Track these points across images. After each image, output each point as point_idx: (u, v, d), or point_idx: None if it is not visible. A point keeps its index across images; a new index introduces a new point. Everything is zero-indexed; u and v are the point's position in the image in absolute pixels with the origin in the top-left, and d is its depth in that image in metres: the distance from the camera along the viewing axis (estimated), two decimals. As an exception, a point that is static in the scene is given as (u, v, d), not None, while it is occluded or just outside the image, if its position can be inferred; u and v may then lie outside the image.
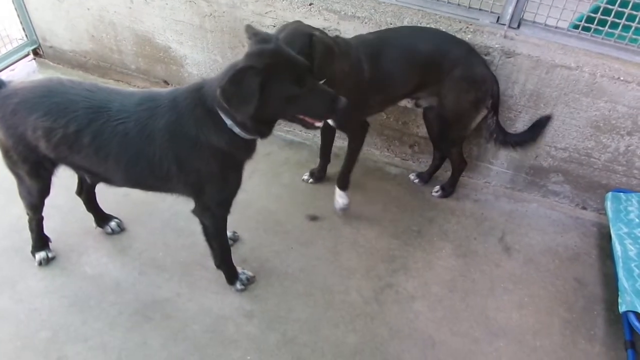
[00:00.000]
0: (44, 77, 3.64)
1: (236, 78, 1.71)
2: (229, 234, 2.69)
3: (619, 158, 2.75)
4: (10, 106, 2.06)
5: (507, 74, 2.68)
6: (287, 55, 1.82)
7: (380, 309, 2.48)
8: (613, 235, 2.49)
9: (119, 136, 1.98)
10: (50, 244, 2.62)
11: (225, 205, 2.23)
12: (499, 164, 3.05)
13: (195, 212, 2.22)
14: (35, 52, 3.95)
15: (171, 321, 2.39)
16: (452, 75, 2.51)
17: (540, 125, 2.74)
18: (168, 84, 3.61)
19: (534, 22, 2.60)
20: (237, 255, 2.65)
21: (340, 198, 2.86)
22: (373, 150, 3.33)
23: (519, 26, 2.63)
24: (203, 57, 3.33)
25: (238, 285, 2.50)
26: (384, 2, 2.81)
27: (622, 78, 2.49)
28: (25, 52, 3.89)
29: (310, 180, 3.06)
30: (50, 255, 2.59)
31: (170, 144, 1.98)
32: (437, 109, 2.67)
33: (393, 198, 3.04)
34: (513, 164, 3.01)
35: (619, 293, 2.26)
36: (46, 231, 2.61)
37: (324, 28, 2.86)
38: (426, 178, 3.10)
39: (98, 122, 1.99)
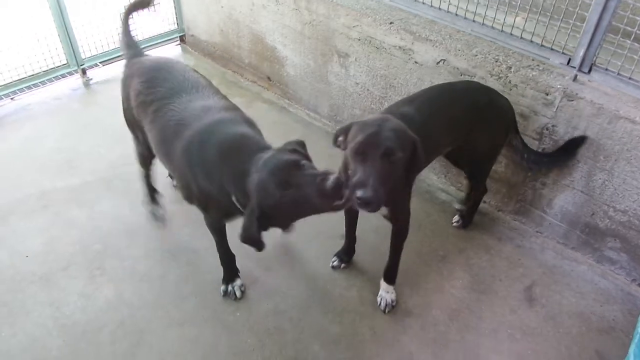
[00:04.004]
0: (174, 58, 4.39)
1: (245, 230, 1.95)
2: None
3: (689, 236, 2.43)
4: (132, 70, 2.54)
5: (568, 118, 2.56)
6: (275, 174, 1.87)
7: (373, 312, 2.53)
8: (644, 311, 2.21)
9: (166, 117, 2.24)
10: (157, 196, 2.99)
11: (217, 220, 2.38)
12: (553, 214, 2.87)
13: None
14: (182, 39, 4.74)
15: (190, 266, 2.73)
16: (481, 119, 2.49)
17: (573, 145, 2.57)
18: (270, 80, 4.07)
19: (607, 69, 2.46)
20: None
21: (386, 293, 2.55)
22: (431, 175, 3.35)
23: (589, 71, 2.50)
24: (299, 60, 3.71)
25: (222, 288, 2.57)
26: (461, 31, 2.89)
27: (696, 144, 2.24)
28: (174, 37, 4.69)
29: (342, 265, 2.75)
30: (161, 212, 2.97)
31: (189, 151, 2.12)
32: (467, 151, 2.61)
33: (432, 221, 3.04)
34: (567, 217, 2.81)
35: (622, 368, 2.02)
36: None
37: (399, 47, 3.04)
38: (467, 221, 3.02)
39: (165, 100, 2.29)
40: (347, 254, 2.76)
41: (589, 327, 2.51)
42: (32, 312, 2.49)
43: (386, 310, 2.54)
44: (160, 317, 2.49)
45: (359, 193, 1.79)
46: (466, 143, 2.55)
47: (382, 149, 1.85)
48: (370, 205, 1.81)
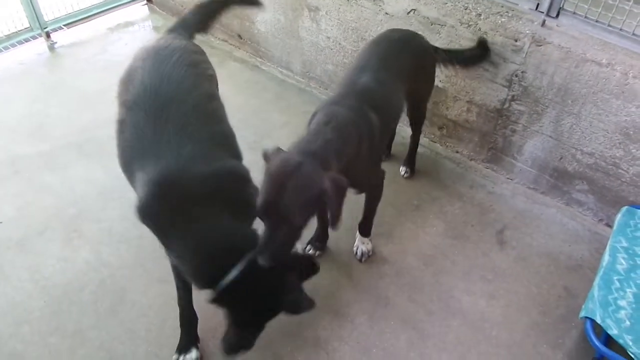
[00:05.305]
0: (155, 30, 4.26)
1: None
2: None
3: (651, 174, 2.52)
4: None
5: (537, 64, 2.58)
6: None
7: (350, 262, 2.59)
8: (607, 247, 2.30)
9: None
10: None
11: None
12: (523, 160, 2.93)
13: None
14: (148, -2, 4.60)
15: (168, 225, 2.74)
16: (420, 63, 2.53)
17: (483, 42, 2.70)
18: (241, 38, 3.99)
19: (575, 13, 2.48)
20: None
21: (362, 244, 2.59)
22: (405, 127, 3.36)
23: (557, 15, 2.52)
24: (270, 16, 3.64)
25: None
26: (432, -22, 2.86)
27: (659, 84, 2.30)
28: (141, -4, 4.55)
29: (317, 252, 2.61)
30: None
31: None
32: (411, 99, 2.59)
33: (406, 172, 3.09)
34: (537, 162, 2.88)
35: (586, 300, 2.12)
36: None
37: (369, -3, 3.00)
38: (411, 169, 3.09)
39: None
40: (321, 240, 2.62)
41: (557, 265, 2.62)
42: (11, 277, 2.49)
43: (362, 260, 2.59)
44: (140, 275, 2.51)
45: (259, 259, 1.74)
46: (412, 91, 2.51)
47: (279, 215, 1.71)
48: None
